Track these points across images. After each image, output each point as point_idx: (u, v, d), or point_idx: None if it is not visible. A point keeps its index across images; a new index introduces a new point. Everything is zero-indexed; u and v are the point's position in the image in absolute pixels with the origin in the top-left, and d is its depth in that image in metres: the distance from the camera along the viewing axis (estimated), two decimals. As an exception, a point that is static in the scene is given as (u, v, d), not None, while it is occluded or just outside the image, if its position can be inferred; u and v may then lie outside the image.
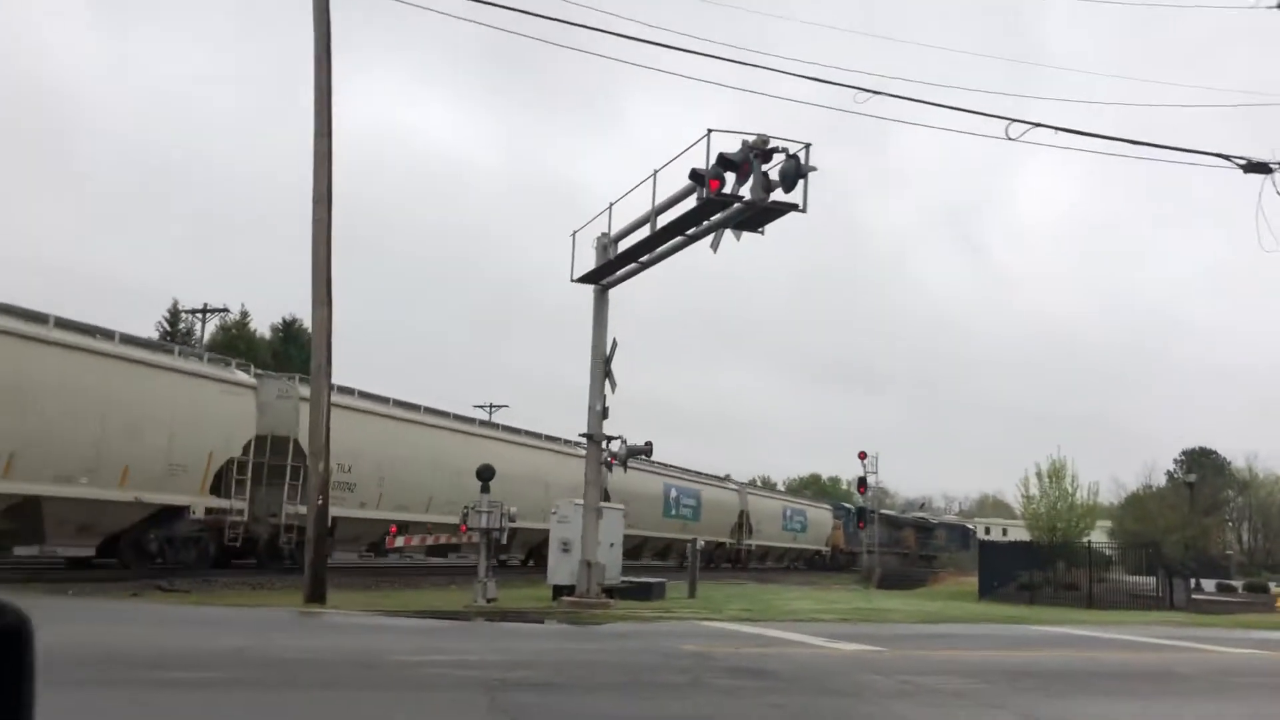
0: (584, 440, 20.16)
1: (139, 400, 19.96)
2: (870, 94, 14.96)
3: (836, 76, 15.32)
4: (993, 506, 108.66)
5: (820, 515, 62.60)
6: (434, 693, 7.99)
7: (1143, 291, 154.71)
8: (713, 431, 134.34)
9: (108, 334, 20.43)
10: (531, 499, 25.61)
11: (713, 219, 16.21)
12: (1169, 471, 78.52)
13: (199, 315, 49.91)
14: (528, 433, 34.92)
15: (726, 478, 55.09)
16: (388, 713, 7.22)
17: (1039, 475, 38.53)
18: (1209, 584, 43.11)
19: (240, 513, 22.37)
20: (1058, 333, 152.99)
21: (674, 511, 43.45)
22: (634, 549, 40.54)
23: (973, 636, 16.54)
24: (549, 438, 34.50)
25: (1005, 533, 73.67)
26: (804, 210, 15.30)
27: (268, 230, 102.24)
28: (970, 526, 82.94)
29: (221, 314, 50.26)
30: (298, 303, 57.75)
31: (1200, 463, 78.67)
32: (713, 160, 15.18)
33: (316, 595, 16.71)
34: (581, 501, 20.01)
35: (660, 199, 17.02)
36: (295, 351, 47.37)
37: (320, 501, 17.36)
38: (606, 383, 19.33)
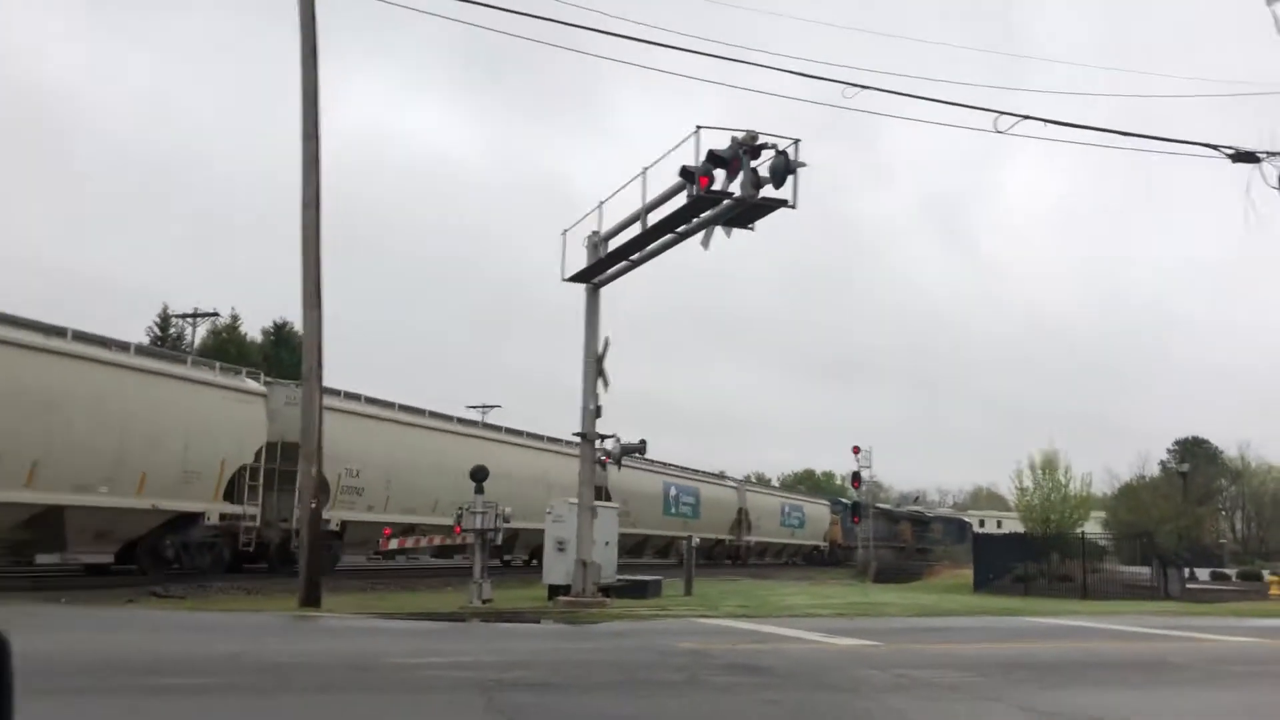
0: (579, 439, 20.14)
1: (155, 410, 20.57)
2: (859, 89, 14.95)
3: (825, 72, 15.28)
4: (987, 499, 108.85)
5: (818, 511, 62.93)
6: (430, 694, 7.99)
7: (1134, 282, 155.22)
8: (707, 428, 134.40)
9: (123, 345, 21.37)
10: (535, 500, 25.77)
11: (703, 216, 16.21)
12: (1162, 461, 78.74)
13: (189, 320, 49.83)
14: (530, 434, 35.26)
15: (722, 474, 55.25)
16: (384, 715, 7.22)
17: (1032, 467, 38.68)
18: (1203, 573, 43.32)
19: (253, 518, 22.93)
20: (1049, 324, 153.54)
21: (674, 510, 43.77)
22: (635, 547, 40.88)
23: (968, 629, 16.57)
24: (551, 439, 34.69)
25: (999, 525, 73.76)
26: (794, 206, 15.32)
27: (258, 233, 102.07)
28: (966, 520, 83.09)
29: (212, 318, 50.19)
30: (289, 306, 57.65)
31: (1193, 452, 78.91)
32: (702, 157, 15.18)
33: (311, 599, 16.67)
34: (576, 501, 20.00)
35: (650, 197, 17.01)
36: (287, 355, 47.24)
37: (313, 505, 17.31)
38: (599, 381, 19.32)
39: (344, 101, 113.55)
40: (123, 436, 19.79)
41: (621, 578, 23.01)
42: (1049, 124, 15.44)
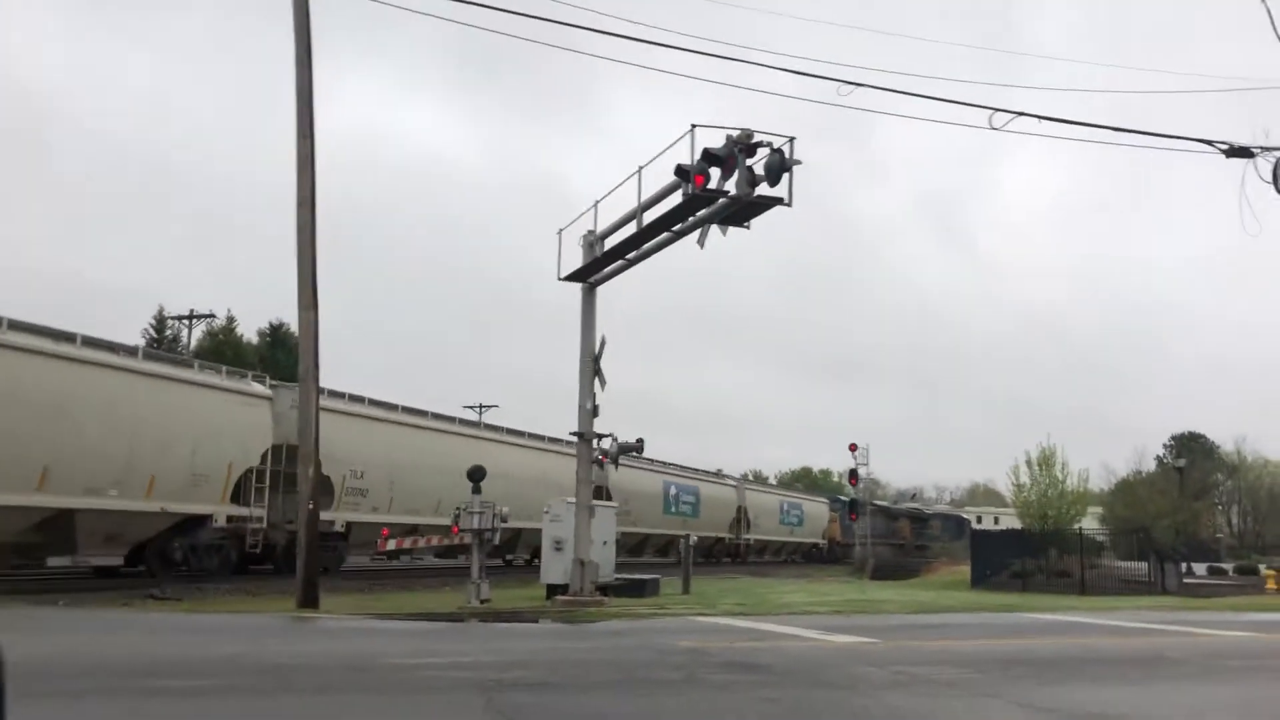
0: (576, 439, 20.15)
1: (164, 414, 20.84)
2: (853, 86, 14.96)
3: (821, 70, 15.29)
4: (984, 495, 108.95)
5: (816, 509, 63.13)
6: (429, 695, 7.99)
7: (1130, 279, 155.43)
8: (704, 427, 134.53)
9: (131, 350, 21.92)
10: (537, 500, 25.97)
11: (698, 214, 16.22)
12: (1158, 457, 78.91)
13: (185, 322, 49.75)
14: (531, 435, 35.60)
15: (719, 472, 55.37)
16: (383, 716, 7.22)
17: (1029, 463, 38.73)
18: (1200, 568, 43.43)
19: (259, 520, 23.14)
20: (1046, 321, 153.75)
21: (674, 509, 44.06)
22: (636, 546, 41.19)
23: (966, 626, 16.60)
24: (552, 439, 34.94)
25: (997, 521, 73.89)
26: (789, 204, 15.32)
27: (254, 234, 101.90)
28: (965, 516, 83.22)
29: (208, 319, 50.11)
30: (284, 307, 57.59)
31: (1189, 447, 79.04)
32: (697, 156, 15.19)
33: (309, 600, 16.66)
34: (574, 500, 20.00)
35: (646, 195, 17.00)
36: (283, 356, 47.18)
37: (310, 506, 17.29)
38: (596, 381, 19.32)
39: (338, 101, 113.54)
40: (132, 440, 20.05)
41: (619, 576, 23.03)
42: (1044, 121, 15.46)
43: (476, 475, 19.07)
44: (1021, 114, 15.14)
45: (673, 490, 44.49)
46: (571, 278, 19.41)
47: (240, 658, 9.97)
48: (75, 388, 18.98)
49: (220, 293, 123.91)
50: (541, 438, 35.45)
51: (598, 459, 20.04)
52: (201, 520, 22.18)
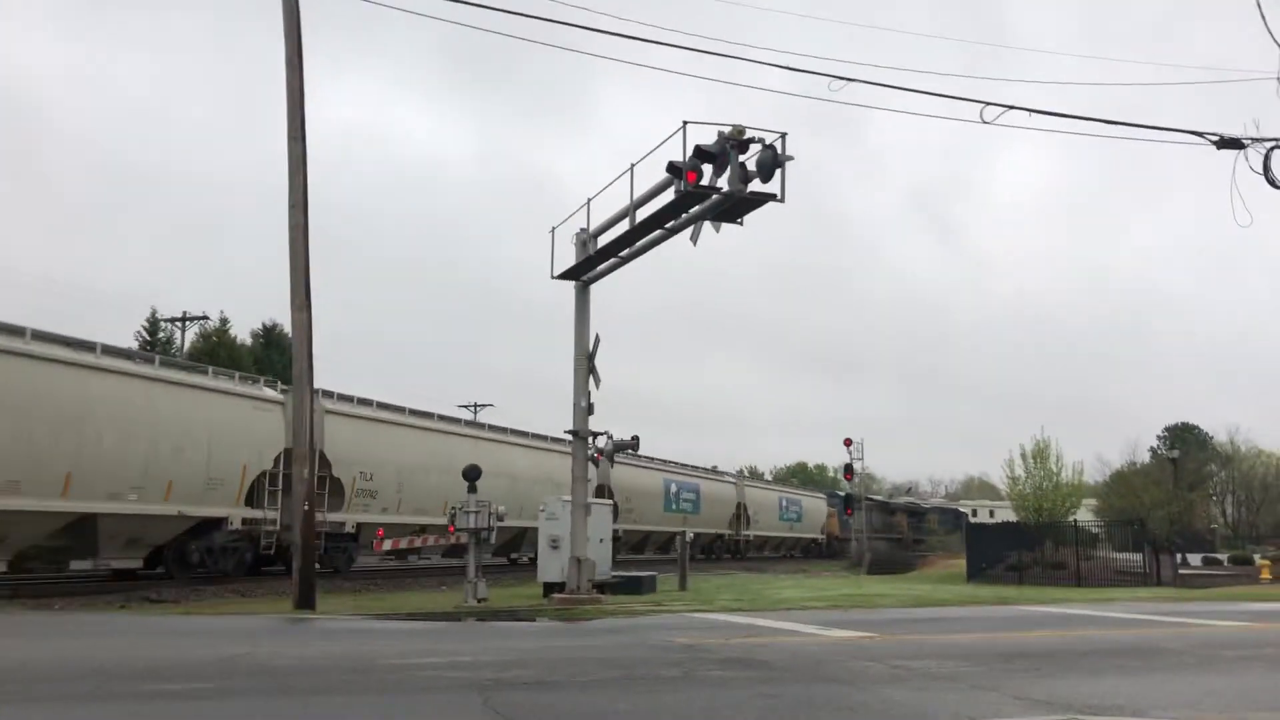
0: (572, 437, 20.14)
1: (181, 419, 21.55)
2: (845, 81, 14.96)
3: (812, 65, 15.32)
4: (979, 488, 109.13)
5: (815, 504, 63.46)
6: (427, 695, 7.98)
7: (1122, 270, 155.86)
8: (699, 423, 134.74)
9: (148, 358, 23.16)
10: (540, 499, 26.09)
11: (691, 211, 16.21)
12: (1152, 448, 79.05)
13: (178, 323, 49.62)
14: (534, 435, 36.11)
15: (714, 469, 55.48)
16: (382, 717, 7.21)
17: (1024, 456, 38.83)
18: (1195, 558, 43.49)
19: (273, 522, 23.64)
20: (1038, 314, 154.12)
21: (674, 506, 44.35)
22: (638, 544, 41.47)
23: (963, 619, 16.63)
24: (554, 439, 35.26)
25: (992, 514, 74.04)
26: (782, 200, 15.32)
27: (246, 235, 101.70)
28: (962, 510, 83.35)
29: (201, 321, 49.97)
30: (277, 307, 57.42)
31: (1183, 438, 79.27)
32: (689, 152, 15.17)
33: (306, 601, 16.66)
34: (570, 498, 20.01)
35: (638, 193, 17.02)
36: (277, 357, 47.13)
37: (306, 507, 17.29)
38: (591, 378, 19.32)
39: (329, 101, 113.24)
40: (150, 446, 20.68)
41: (616, 574, 23.05)
42: (1035, 114, 15.48)
43: (472, 475, 19.07)
44: (1012, 108, 15.16)
45: (673, 488, 44.76)
46: (565, 276, 19.40)
47: (237, 660, 9.96)
48: (95, 395, 19.63)
49: (213, 294, 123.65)
50: (544, 437, 35.85)
51: (593, 457, 20.05)
52: (217, 523, 22.73)
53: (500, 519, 19.26)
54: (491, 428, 36.44)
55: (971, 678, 8.98)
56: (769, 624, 14.84)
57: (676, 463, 47.89)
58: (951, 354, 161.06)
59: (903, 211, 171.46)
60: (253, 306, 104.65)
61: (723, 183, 15.27)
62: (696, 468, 50.61)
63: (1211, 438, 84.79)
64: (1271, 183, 14.90)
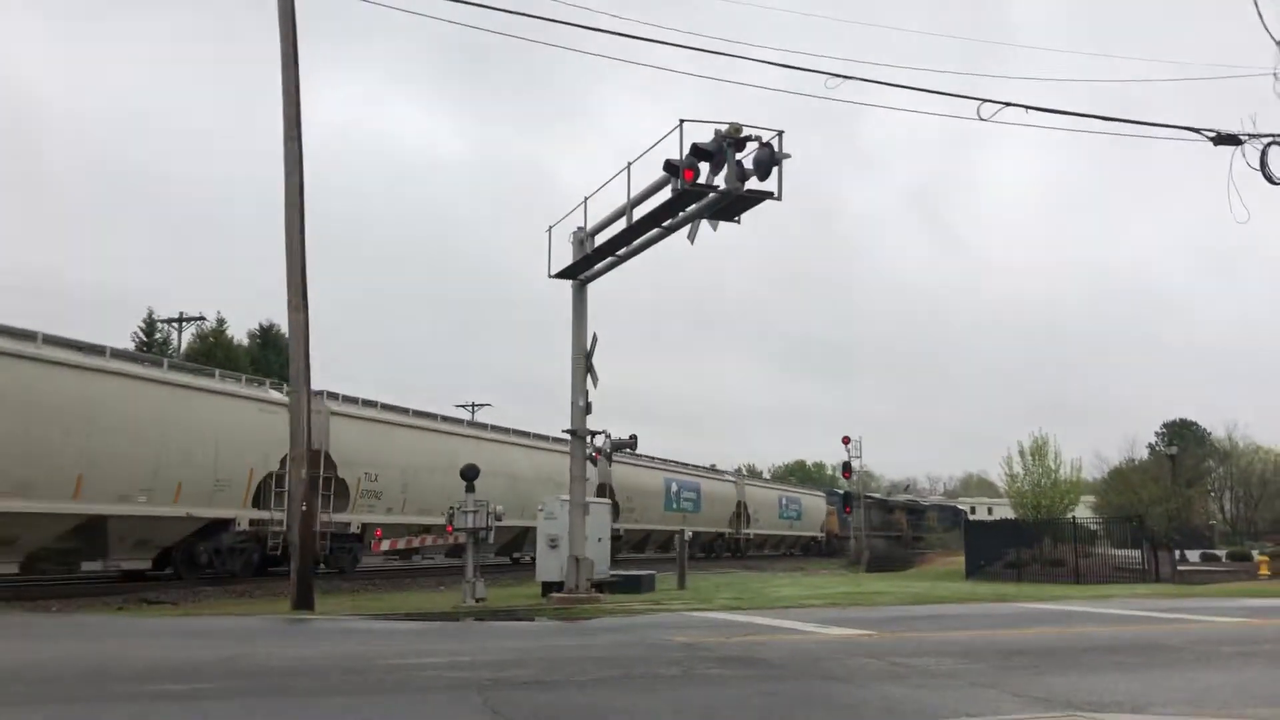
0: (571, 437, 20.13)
1: (189, 422, 21.77)
2: (841, 79, 14.95)
3: (808, 63, 15.31)
4: (977, 486, 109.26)
5: (814, 502, 63.56)
6: (426, 695, 7.97)
7: (1120, 267, 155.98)
8: (697, 422, 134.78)
9: (156, 361, 23.62)
10: (542, 499, 26.22)
11: (688, 209, 16.20)
12: (1150, 444, 79.01)
13: (175, 324, 49.55)
14: (536, 435, 36.27)
15: (713, 467, 55.55)
16: (382, 716, 7.19)
17: (1022, 453, 38.96)
18: (1193, 554, 43.48)
19: (279, 523, 23.65)
20: (1037, 311, 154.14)
21: (675, 505, 44.47)
22: (639, 543, 41.57)
23: (962, 616, 16.63)
24: (556, 439, 35.23)
25: (991, 511, 74.14)
26: (779, 198, 15.32)
27: (242, 235, 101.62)
28: (961, 507, 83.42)
29: (198, 322, 49.92)
30: (274, 308, 57.41)
31: (1181, 435, 79.22)
32: (686, 151, 15.16)
33: (304, 602, 16.65)
34: (568, 498, 20.00)
35: (635, 191, 17.00)
36: (274, 357, 47.11)
37: (304, 508, 17.28)
38: (589, 377, 19.30)
39: (325, 98, 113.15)
40: (159, 448, 20.90)
41: (615, 573, 23.04)
42: (1031, 110, 15.46)
43: (469, 474, 19.06)
44: (1009, 104, 15.14)
45: (674, 487, 44.86)
46: (562, 275, 19.38)
47: (236, 660, 9.95)
48: (106, 398, 19.82)
49: (209, 294, 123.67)
50: (546, 438, 35.96)
51: (591, 456, 20.04)
52: (225, 524, 22.93)
53: (499, 518, 19.25)
54: (494, 428, 36.55)
55: (970, 675, 8.98)
56: (768, 622, 14.84)
57: (677, 462, 47.99)
58: (949, 350, 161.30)
59: (901, 208, 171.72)
60: (249, 307, 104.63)
61: (720, 181, 15.27)
62: (697, 467, 50.72)
63: (1210, 434, 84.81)
64: (1269, 179, 14.90)
